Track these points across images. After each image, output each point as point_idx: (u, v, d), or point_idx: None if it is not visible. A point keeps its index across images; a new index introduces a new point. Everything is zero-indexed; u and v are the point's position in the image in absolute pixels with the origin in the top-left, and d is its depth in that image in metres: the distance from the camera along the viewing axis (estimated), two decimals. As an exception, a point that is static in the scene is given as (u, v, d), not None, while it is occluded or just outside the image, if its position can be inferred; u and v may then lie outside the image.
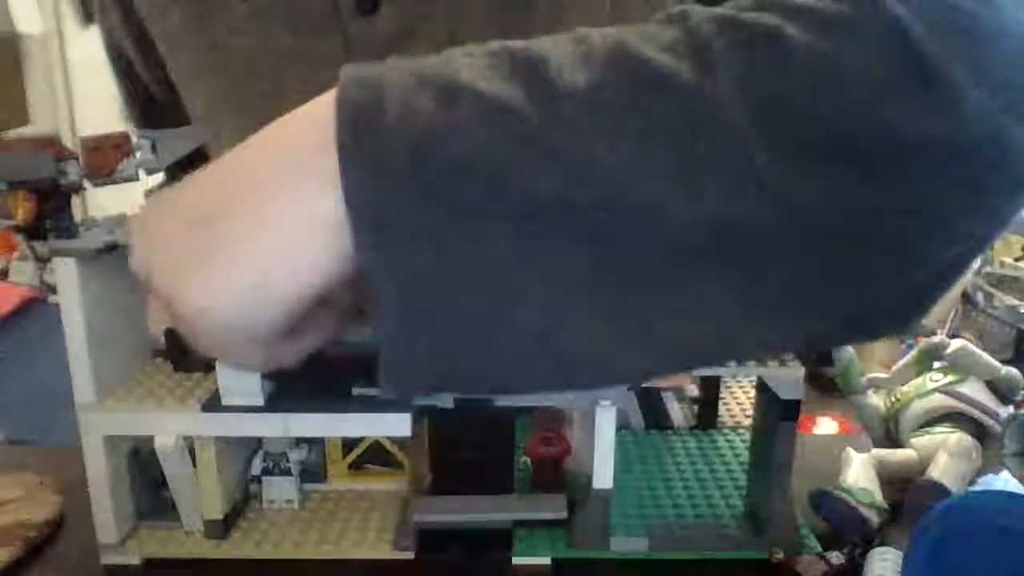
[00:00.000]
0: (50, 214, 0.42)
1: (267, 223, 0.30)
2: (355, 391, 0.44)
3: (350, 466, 0.52)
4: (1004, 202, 0.34)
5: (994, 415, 0.55)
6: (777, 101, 0.29)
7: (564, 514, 0.47)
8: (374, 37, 0.53)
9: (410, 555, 0.46)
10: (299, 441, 0.51)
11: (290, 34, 0.55)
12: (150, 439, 0.45)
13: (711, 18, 0.31)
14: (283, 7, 0.55)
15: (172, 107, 0.64)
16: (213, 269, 0.30)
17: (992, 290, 1.09)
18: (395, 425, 0.43)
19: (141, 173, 0.44)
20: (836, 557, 0.44)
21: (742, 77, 0.29)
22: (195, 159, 0.44)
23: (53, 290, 0.43)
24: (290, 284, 0.30)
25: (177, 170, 0.59)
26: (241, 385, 0.44)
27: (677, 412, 0.61)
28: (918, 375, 0.58)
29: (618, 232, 0.29)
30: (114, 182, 0.43)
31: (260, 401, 0.44)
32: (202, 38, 0.57)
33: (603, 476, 0.45)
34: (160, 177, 0.67)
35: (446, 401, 0.42)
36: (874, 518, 0.48)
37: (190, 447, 0.46)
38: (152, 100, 0.66)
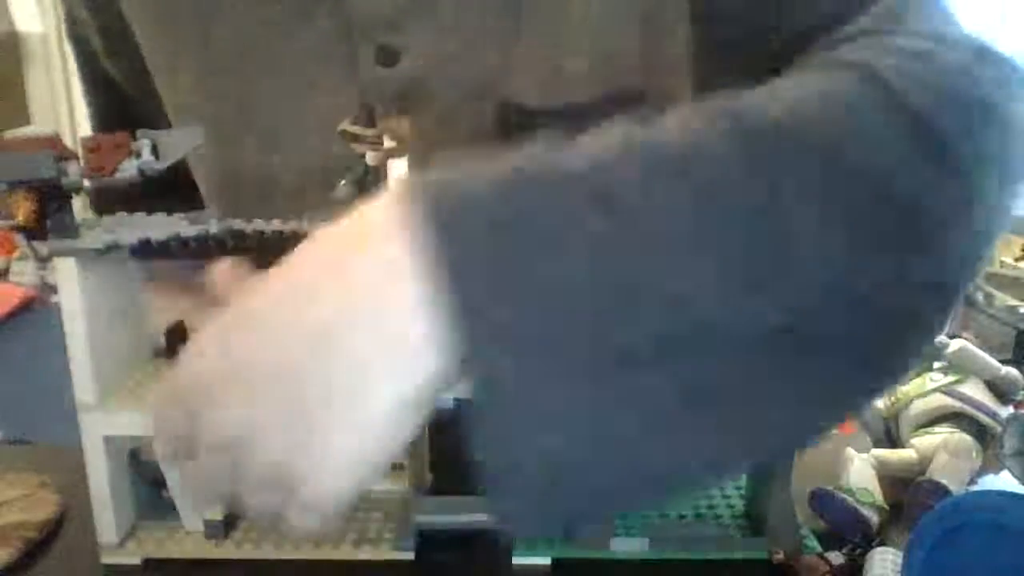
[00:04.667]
0: (50, 214, 0.41)
1: (368, 400, 0.30)
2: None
3: (350, 466, 0.52)
4: None
5: (994, 415, 0.55)
6: (840, 206, 0.31)
7: (564, 514, 0.47)
8: (389, 85, 0.53)
9: (410, 555, 0.46)
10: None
11: (302, 68, 0.55)
12: (150, 439, 0.45)
13: (774, 124, 0.32)
14: (297, 53, 0.54)
15: (137, 103, 0.63)
16: (331, 460, 0.30)
17: (992, 290, 1.09)
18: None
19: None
20: (836, 557, 0.44)
21: (805, 184, 0.31)
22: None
23: (53, 290, 0.43)
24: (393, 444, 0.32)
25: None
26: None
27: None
28: (918, 375, 0.58)
29: (700, 350, 0.29)
30: (114, 182, 0.43)
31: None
32: (203, 51, 0.57)
33: (603, 476, 0.45)
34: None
35: (446, 401, 0.42)
36: (874, 518, 0.48)
37: (190, 447, 0.46)
38: (115, 96, 0.65)
